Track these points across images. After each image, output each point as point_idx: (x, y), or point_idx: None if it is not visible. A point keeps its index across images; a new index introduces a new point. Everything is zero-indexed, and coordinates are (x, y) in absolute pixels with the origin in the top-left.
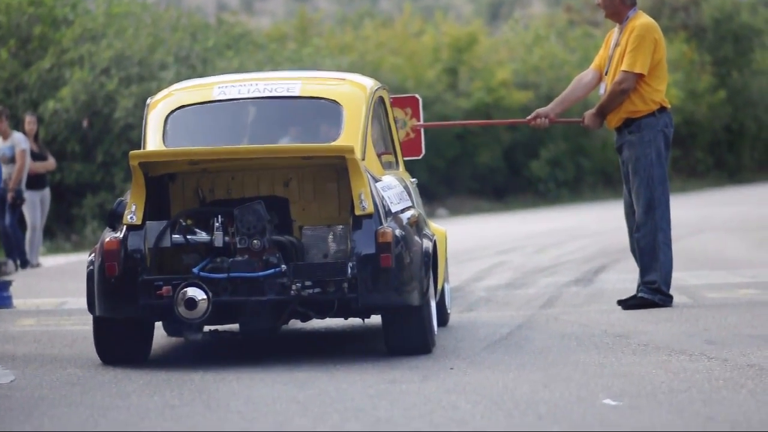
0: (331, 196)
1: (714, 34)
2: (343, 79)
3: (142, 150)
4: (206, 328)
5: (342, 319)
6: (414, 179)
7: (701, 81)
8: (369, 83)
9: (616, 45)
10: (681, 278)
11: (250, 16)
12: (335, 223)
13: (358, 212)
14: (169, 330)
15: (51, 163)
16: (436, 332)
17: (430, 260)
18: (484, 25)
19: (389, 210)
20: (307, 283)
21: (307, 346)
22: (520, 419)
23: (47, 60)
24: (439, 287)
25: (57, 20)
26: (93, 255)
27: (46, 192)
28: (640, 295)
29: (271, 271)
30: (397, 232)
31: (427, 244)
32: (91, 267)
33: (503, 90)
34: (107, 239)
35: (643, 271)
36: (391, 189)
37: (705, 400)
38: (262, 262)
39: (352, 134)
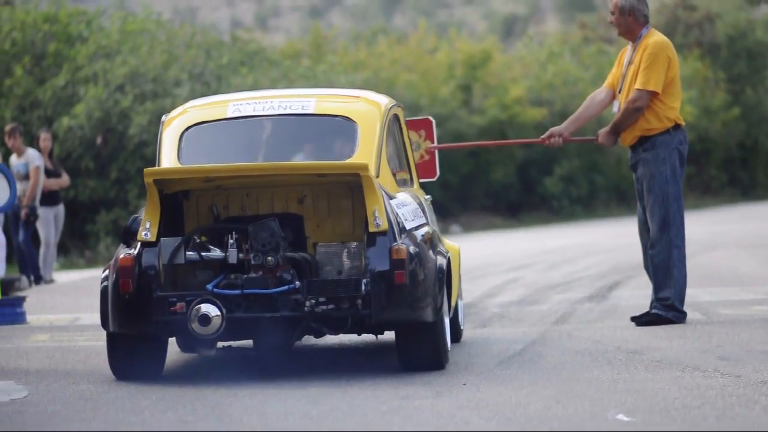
0: (345, 213)
1: (728, 51)
2: (358, 97)
3: (156, 167)
4: (220, 344)
5: (355, 335)
6: (428, 196)
7: (715, 98)
8: (384, 101)
9: (630, 63)
10: (694, 295)
11: (264, 32)
12: (349, 240)
13: (372, 229)
14: (183, 346)
15: (65, 179)
16: (449, 348)
17: (444, 277)
18: (498, 41)
19: (403, 227)
20: (321, 299)
21: (320, 361)
22: None
23: (62, 77)
24: (453, 303)
25: (72, 37)
26: (107, 271)
27: (60, 208)
28: (654, 311)
29: (285, 287)
30: (411, 249)
31: (441, 261)
32: (105, 283)
33: (517, 107)
34: (122, 256)
35: (657, 288)
36: (405, 206)
37: (718, 417)
38: (276, 278)
39: (367, 151)
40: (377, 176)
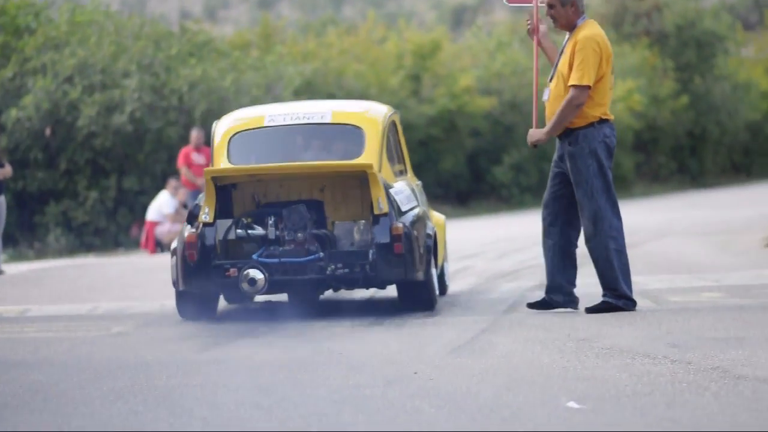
0: (356, 199)
1: (676, 40)
2: (365, 108)
3: (213, 167)
4: (261, 298)
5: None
6: (419, 182)
7: (664, 86)
8: (384, 111)
9: (562, 52)
10: (644, 282)
11: (213, 23)
12: (359, 220)
13: (376, 212)
14: (229, 299)
15: (7, 170)
16: (437, 298)
17: (431, 247)
18: (447, 31)
19: (400, 209)
20: (339, 265)
21: (270, 354)
22: (483, 423)
23: (9, 68)
24: (440, 264)
25: (19, 29)
26: (175, 246)
27: (2, 200)
28: (604, 299)
29: (312, 257)
30: (406, 226)
31: (429, 234)
32: (175, 255)
33: (466, 96)
34: (187, 234)
35: (603, 279)
36: (401, 193)
37: (668, 403)
38: (304, 250)
39: (372, 153)
40: (379, 171)
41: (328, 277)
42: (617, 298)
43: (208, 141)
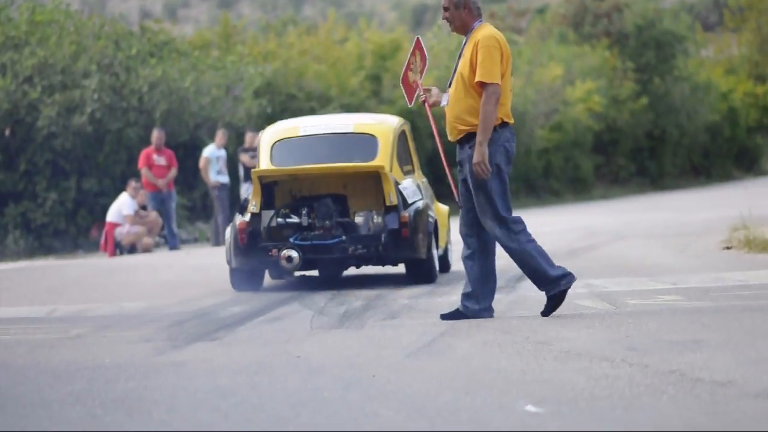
0: (371, 193)
1: (636, 40)
2: (380, 121)
3: (259, 168)
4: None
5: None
6: (425, 179)
7: (623, 87)
8: (395, 122)
9: (460, 56)
10: (602, 285)
11: (173, 23)
12: (374, 210)
13: (387, 204)
14: (273, 275)
15: None
16: (438, 273)
17: (432, 232)
18: (408, 32)
19: (406, 201)
20: (359, 246)
21: (229, 355)
22: (442, 426)
23: None
24: (443, 246)
25: None
26: (229, 231)
27: None
28: (550, 294)
29: (336, 240)
30: (411, 216)
31: (430, 221)
32: (229, 239)
33: None
34: (239, 222)
35: (534, 275)
36: (408, 188)
37: (626, 407)
38: (331, 234)
39: (384, 156)
40: (390, 170)
41: (349, 256)
42: (556, 283)
43: (168, 142)
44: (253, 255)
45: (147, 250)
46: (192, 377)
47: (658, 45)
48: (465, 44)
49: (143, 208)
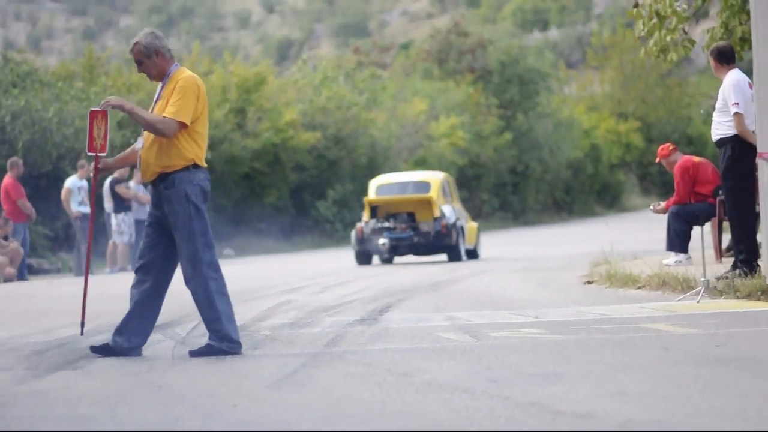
0: (427, 210)
1: (500, 77)
2: (433, 175)
3: (369, 197)
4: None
5: None
6: (460, 205)
7: (487, 123)
8: (441, 175)
9: (158, 99)
10: (465, 318)
11: (37, 54)
12: (429, 220)
13: (435, 216)
14: (377, 256)
15: None
16: (464, 258)
17: (461, 233)
18: (273, 65)
19: (444, 215)
20: (420, 239)
21: (89, 385)
22: None
23: None
24: (472, 243)
25: None
26: (354, 232)
27: None
28: (208, 342)
29: (408, 234)
30: (448, 223)
31: (461, 228)
32: (353, 235)
33: (291, 130)
34: (358, 225)
35: (207, 321)
36: (446, 209)
37: None
38: (405, 232)
39: (434, 193)
40: (436, 200)
41: (415, 244)
42: (220, 339)
43: (31, 172)
44: (366, 243)
45: (9, 279)
46: (52, 406)
47: (521, 81)
48: (163, 87)
49: (4, 238)
